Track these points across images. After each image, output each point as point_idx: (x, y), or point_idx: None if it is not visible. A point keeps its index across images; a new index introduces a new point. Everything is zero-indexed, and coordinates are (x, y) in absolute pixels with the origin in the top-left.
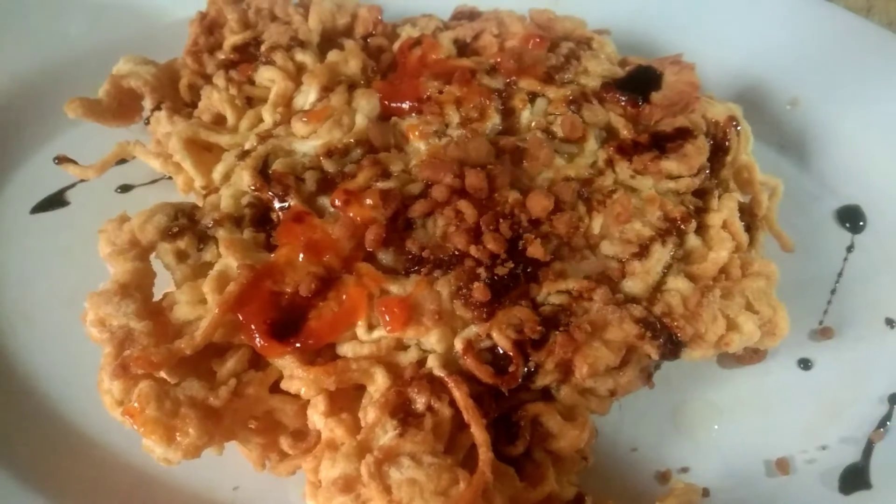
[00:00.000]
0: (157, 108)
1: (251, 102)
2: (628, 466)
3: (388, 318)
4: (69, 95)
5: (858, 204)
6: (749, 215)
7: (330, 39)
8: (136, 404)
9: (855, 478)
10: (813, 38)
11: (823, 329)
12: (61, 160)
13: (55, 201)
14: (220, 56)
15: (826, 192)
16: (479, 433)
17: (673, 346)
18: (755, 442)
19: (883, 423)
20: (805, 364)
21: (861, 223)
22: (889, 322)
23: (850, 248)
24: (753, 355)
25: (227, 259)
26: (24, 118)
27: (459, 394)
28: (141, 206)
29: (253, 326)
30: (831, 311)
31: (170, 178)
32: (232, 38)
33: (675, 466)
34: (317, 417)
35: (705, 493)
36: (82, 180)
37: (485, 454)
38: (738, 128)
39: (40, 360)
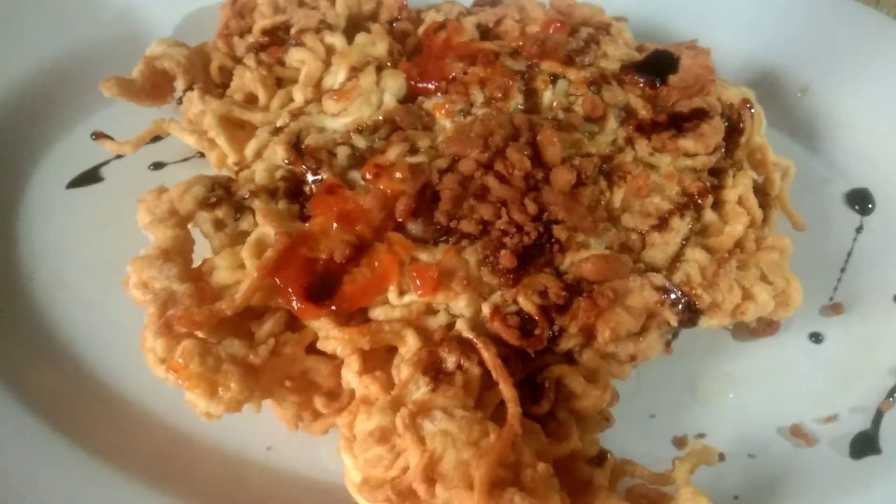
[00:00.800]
0: (190, 88)
1: (281, 83)
2: (647, 432)
3: (418, 283)
4: (104, 75)
5: (867, 187)
6: (762, 194)
7: (356, 24)
8: (180, 360)
9: (865, 444)
10: (823, 27)
11: (834, 305)
12: (98, 136)
13: (90, 177)
14: (251, 39)
15: (836, 176)
16: (507, 389)
17: (691, 314)
18: (768, 410)
19: (892, 394)
20: (816, 338)
21: (870, 205)
22: None
23: (859, 229)
24: (767, 328)
25: (264, 227)
26: (61, 97)
27: (488, 353)
28: (173, 182)
29: (290, 290)
30: (841, 289)
31: (201, 156)
32: (262, 22)
33: (692, 432)
34: (351, 376)
35: (721, 457)
36: (117, 157)
37: (513, 409)
38: (752, 110)
39: (79, 326)
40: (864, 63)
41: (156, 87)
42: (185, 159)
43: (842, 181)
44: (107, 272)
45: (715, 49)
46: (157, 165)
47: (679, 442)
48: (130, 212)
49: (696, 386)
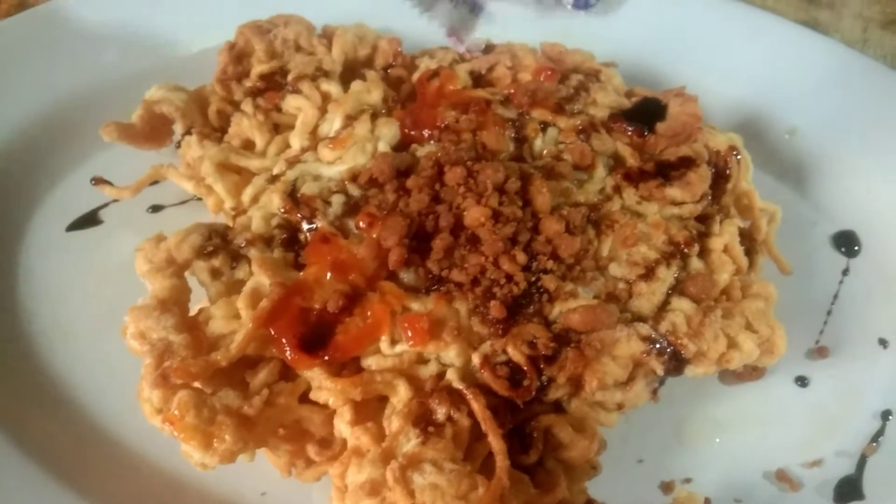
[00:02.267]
0: (188, 132)
1: (278, 128)
2: (634, 477)
3: (410, 334)
4: (103, 120)
5: (853, 229)
6: (749, 240)
7: (352, 69)
8: (175, 412)
9: (849, 489)
10: (810, 70)
11: (819, 348)
12: (97, 181)
13: (89, 220)
14: (248, 84)
15: (822, 218)
16: (496, 442)
17: (677, 363)
18: (755, 454)
19: (875, 438)
20: (802, 381)
21: (856, 247)
22: (882, 342)
23: (845, 272)
24: (752, 372)
25: (260, 277)
26: (60, 141)
27: (477, 405)
28: (171, 225)
29: (284, 340)
30: (827, 332)
31: (199, 199)
32: (259, 67)
33: (679, 477)
34: (343, 426)
35: (707, 502)
36: (115, 200)
37: (502, 461)
38: (739, 156)
39: (77, 371)
40: (851, 105)
41: (154, 130)
42: (184, 202)
43: (828, 223)
44: (105, 315)
45: (703, 93)
46: (156, 208)
47: (666, 487)
48: (129, 254)
49: (683, 430)
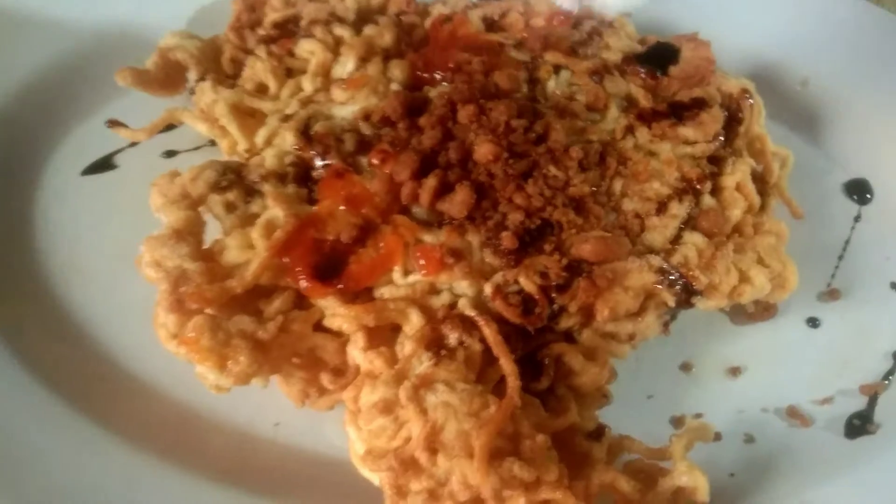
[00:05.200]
0: (202, 78)
1: (291, 73)
2: (645, 411)
3: (422, 264)
4: (119, 66)
5: (866, 177)
6: (761, 183)
7: (365, 18)
8: (191, 335)
9: (860, 425)
10: (824, 22)
11: (831, 291)
12: (112, 123)
13: (104, 164)
14: (262, 32)
15: (835, 167)
16: (507, 364)
17: (688, 295)
18: (766, 392)
19: (887, 377)
20: (813, 322)
21: (868, 195)
22: (894, 286)
23: (857, 218)
24: (764, 312)
25: (274, 209)
26: (75, 87)
27: (489, 330)
28: (185, 169)
29: (298, 269)
30: (839, 275)
31: (212, 144)
32: (273, 15)
33: (690, 412)
34: (356, 352)
35: (717, 436)
36: (131, 145)
37: (513, 382)
38: (751, 100)
39: (93, 307)
40: (864, 57)
41: (169, 77)
42: (197, 147)
43: (841, 172)
44: (120, 255)
45: (716, 43)
46: (170, 153)
47: (677, 422)
48: (144, 198)
49: (695, 368)
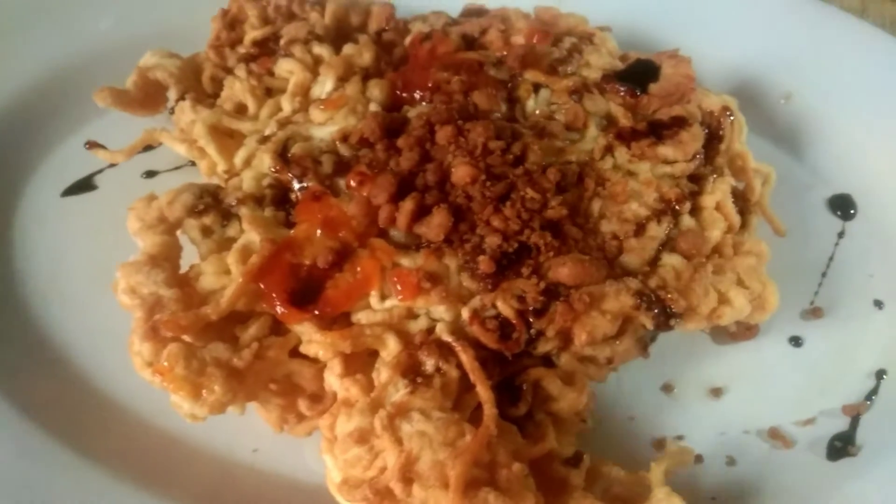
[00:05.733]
0: (182, 98)
1: (270, 93)
2: (626, 434)
3: (399, 289)
4: (97, 86)
5: (849, 193)
6: (743, 200)
7: (345, 35)
8: (165, 363)
9: (842, 446)
10: (807, 36)
11: (814, 309)
12: (91, 145)
13: (84, 185)
14: (241, 50)
15: (818, 182)
16: (483, 391)
17: (667, 318)
18: (748, 413)
19: (869, 397)
20: (796, 341)
21: (852, 211)
22: (877, 303)
23: (841, 235)
24: (746, 331)
25: (250, 234)
26: (54, 108)
27: (466, 356)
28: (165, 190)
29: (274, 295)
30: (822, 293)
31: (192, 164)
32: (252, 33)
33: (671, 434)
34: (333, 379)
35: (699, 458)
36: (110, 165)
37: (489, 410)
38: (732, 117)
39: (70, 331)
40: (847, 70)
41: (149, 96)
42: (177, 168)
43: (824, 187)
44: (99, 278)
45: (699, 58)
46: (150, 174)
47: (658, 444)
48: (123, 219)
49: (676, 389)
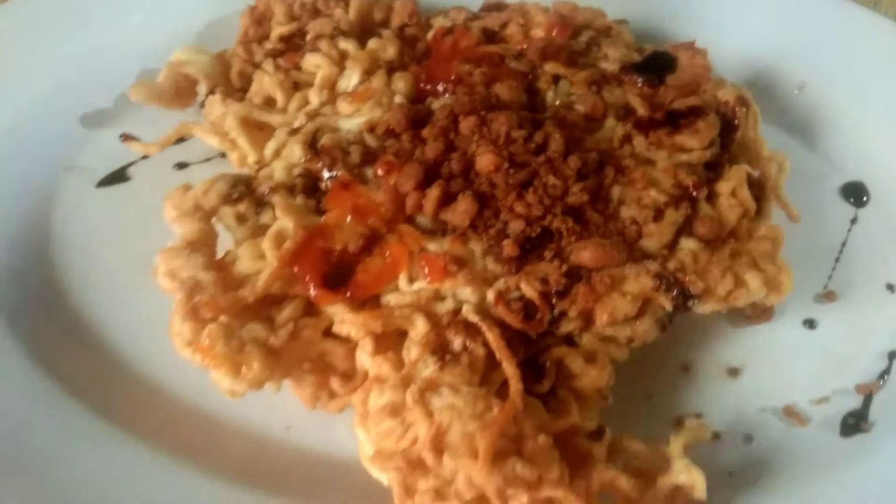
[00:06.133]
0: (212, 92)
1: (297, 86)
2: (646, 411)
3: (427, 272)
4: (130, 81)
5: (862, 180)
6: (758, 188)
7: (368, 30)
8: (206, 342)
9: (854, 424)
10: (821, 27)
11: (827, 293)
12: (126, 138)
13: (118, 177)
14: (269, 46)
15: (832, 170)
16: (509, 367)
17: (685, 299)
18: (764, 393)
19: (882, 377)
20: (810, 324)
21: (864, 198)
22: (890, 287)
23: (853, 221)
24: (762, 314)
25: (283, 221)
26: (89, 102)
27: (491, 335)
28: (197, 181)
29: (307, 278)
30: (835, 277)
31: (222, 156)
32: (279, 29)
33: (690, 412)
34: (364, 357)
35: (716, 436)
36: (143, 157)
37: (515, 385)
38: (746, 108)
39: (109, 316)
40: (860, 62)
41: (180, 91)
42: (208, 159)
43: (838, 175)
44: (134, 266)
45: (715, 49)
46: (182, 165)
47: (677, 422)
48: (156, 209)
49: (695, 369)
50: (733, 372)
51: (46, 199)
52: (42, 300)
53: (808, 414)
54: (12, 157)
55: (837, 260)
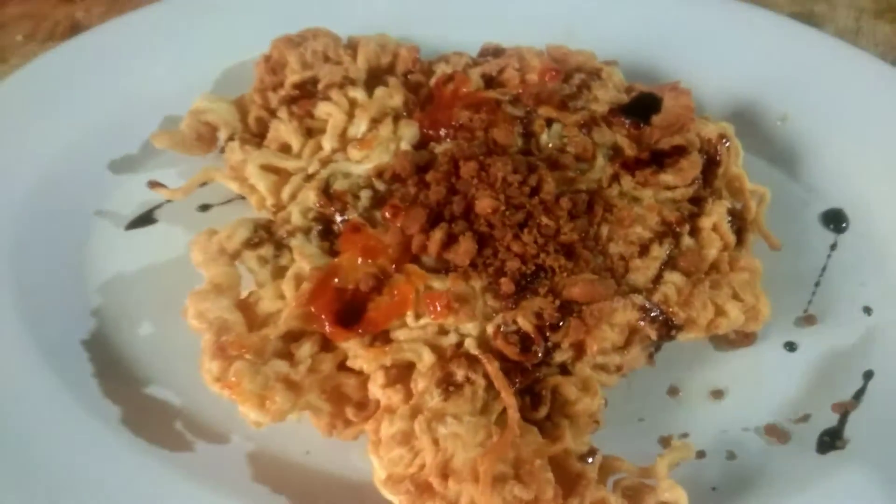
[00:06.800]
0: (231, 138)
1: (311, 132)
2: (636, 433)
3: (432, 309)
4: (153, 128)
5: (841, 207)
6: (740, 219)
7: (375, 75)
8: (233, 379)
9: (830, 440)
10: (801, 62)
11: (807, 316)
12: (153, 185)
13: (145, 219)
14: (283, 93)
15: (813, 198)
16: (507, 398)
17: (669, 329)
18: (746, 412)
19: (857, 396)
20: (791, 346)
21: (844, 224)
22: (867, 310)
23: (833, 247)
24: (744, 339)
25: (301, 263)
26: (116, 149)
27: (491, 367)
28: (219, 222)
29: (323, 316)
30: (815, 301)
31: (241, 198)
32: (293, 77)
33: (676, 432)
34: (376, 388)
35: (701, 454)
36: (169, 201)
37: (512, 414)
38: (728, 144)
39: (141, 351)
40: (839, 93)
41: (201, 137)
42: (229, 201)
43: (818, 203)
44: (163, 303)
45: (700, 85)
46: (204, 207)
47: (664, 441)
48: (181, 249)
49: (681, 392)
50: (718, 394)
51: (80, 242)
52: (82, 340)
53: (788, 432)
54: (47, 204)
55: (817, 284)
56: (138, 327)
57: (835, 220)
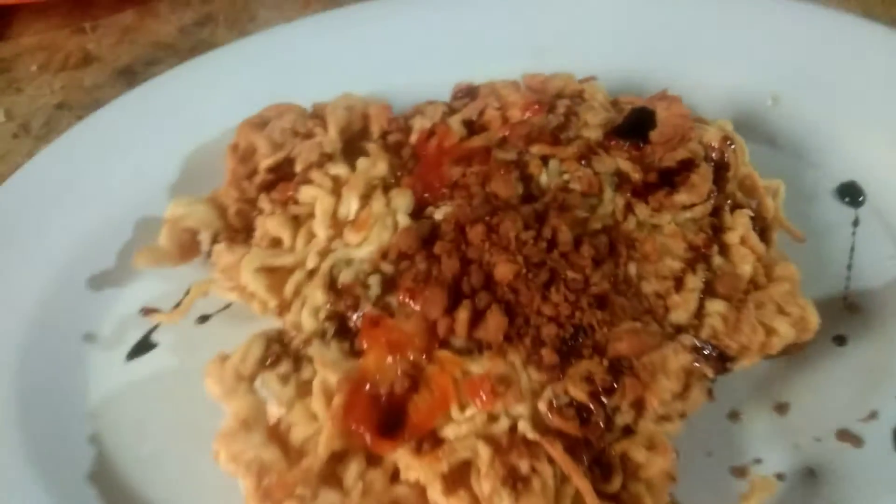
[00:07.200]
0: (215, 241)
1: (297, 219)
2: (706, 469)
3: (477, 400)
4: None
5: (854, 179)
6: (760, 219)
7: (350, 143)
8: None
9: None
10: (785, 35)
11: (848, 304)
12: (146, 312)
13: (144, 345)
14: (258, 179)
15: (822, 175)
16: (580, 482)
17: (723, 362)
18: (812, 421)
19: None
20: (840, 340)
21: (860, 197)
22: None
23: (855, 223)
24: (794, 347)
25: (324, 374)
26: (95, 266)
27: (556, 452)
28: (221, 333)
29: (363, 430)
30: (851, 286)
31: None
32: (265, 162)
33: (749, 459)
34: (438, 497)
35: (781, 477)
36: None
37: (590, 501)
38: (733, 144)
39: (159, 488)
40: (830, 61)
41: (183, 246)
42: (227, 306)
43: (828, 179)
44: (177, 433)
45: (685, 84)
46: (203, 319)
47: (738, 472)
48: (187, 371)
49: (743, 415)
50: (781, 408)
51: (81, 382)
52: (98, 483)
53: (860, 434)
54: (37, 337)
55: (849, 267)
56: (155, 469)
57: (850, 193)
